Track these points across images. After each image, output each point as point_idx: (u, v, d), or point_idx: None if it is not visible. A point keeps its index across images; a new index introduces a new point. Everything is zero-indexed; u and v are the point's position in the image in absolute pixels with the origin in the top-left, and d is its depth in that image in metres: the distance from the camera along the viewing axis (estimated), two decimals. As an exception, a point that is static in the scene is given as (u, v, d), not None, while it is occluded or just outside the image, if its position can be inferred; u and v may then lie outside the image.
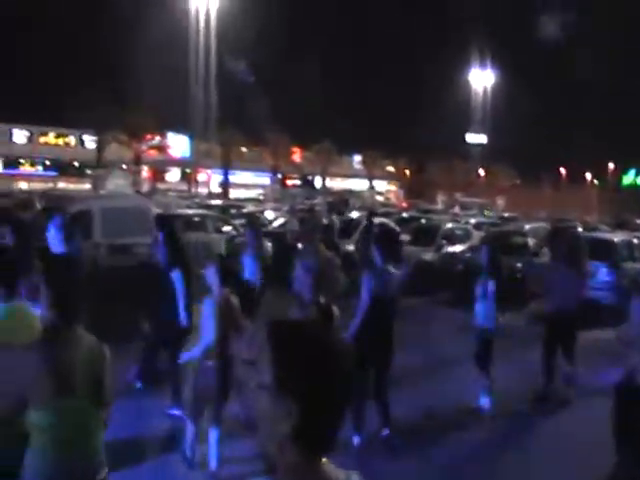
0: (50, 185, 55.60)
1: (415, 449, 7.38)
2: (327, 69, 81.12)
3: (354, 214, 27.53)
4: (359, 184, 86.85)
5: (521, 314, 12.47)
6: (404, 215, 30.91)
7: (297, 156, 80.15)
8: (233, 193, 66.83)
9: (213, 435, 6.34)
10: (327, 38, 79.50)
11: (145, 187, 59.46)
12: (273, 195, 62.82)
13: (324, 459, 1.74)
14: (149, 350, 8.72)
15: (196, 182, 67.99)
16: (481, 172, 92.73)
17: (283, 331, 1.77)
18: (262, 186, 75.57)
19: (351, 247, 17.37)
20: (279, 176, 77.27)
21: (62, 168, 66.87)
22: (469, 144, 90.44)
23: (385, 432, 7.27)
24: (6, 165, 65.42)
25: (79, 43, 64.59)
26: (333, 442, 1.75)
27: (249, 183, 77.07)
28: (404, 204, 63.39)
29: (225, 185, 69.89)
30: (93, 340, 3.61)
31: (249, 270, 10.25)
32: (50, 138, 68.80)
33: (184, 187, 66.74)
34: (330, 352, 1.74)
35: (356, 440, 7.10)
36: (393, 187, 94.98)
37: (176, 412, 7.75)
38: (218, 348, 6.26)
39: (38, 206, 18.95)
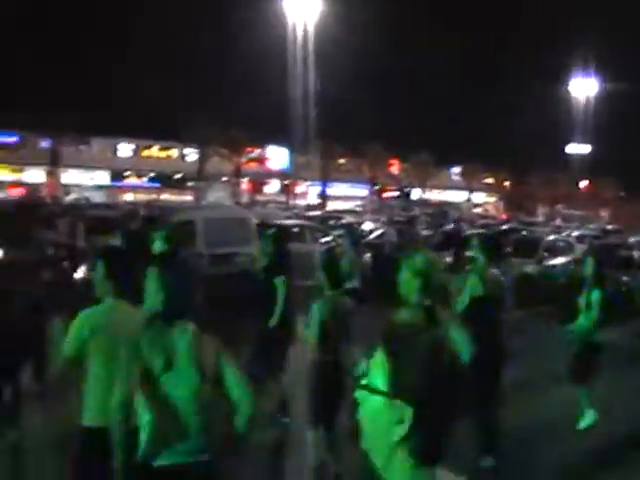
0: (154, 197, 57.18)
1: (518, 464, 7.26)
2: (425, 80, 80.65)
3: (452, 225, 27.32)
4: (457, 196, 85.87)
5: (626, 329, 12.10)
6: (504, 227, 30.48)
7: (395, 168, 79.89)
8: (331, 205, 67.12)
9: (319, 440, 6.39)
10: (425, 49, 78.91)
11: (244, 199, 60.46)
12: (371, 207, 62.78)
13: (436, 467, 1.73)
14: (254, 357, 8.84)
15: (294, 194, 68.61)
16: (583, 184, 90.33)
17: (398, 336, 1.77)
18: (360, 198, 75.60)
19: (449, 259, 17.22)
20: (377, 188, 77.16)
21: (165, 180, 68.59)
22: (570, 155, 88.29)
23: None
24: (113, 177, 67.61)
25: (184, 60, 66.21)
26: (444, 450, 1.74)
27: (347, 195, 77.20)
28: (503, 216, 62.39)
29: (323, 197, 70.29)
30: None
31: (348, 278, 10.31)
32: (154, 151, 70.72)
33: (283, 199, 67.44)
34: (444, 356, 1.73)
35: (487, 462, 6.90)
36: (492, 199, 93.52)
37: (284, 419, 7.89)
38: (329, 353, 6.27)
39: (142, 215, 19.55)
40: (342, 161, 72.35)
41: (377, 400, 1.72)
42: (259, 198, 64.00)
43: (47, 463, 6.35)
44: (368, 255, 18.73)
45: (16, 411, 7.34)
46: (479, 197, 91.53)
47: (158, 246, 7.03)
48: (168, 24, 66.07)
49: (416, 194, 79.37)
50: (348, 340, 6.36)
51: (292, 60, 61.77)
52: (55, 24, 61.87)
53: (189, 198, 59.03)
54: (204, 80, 61.00)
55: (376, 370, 1.74)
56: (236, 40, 58.06)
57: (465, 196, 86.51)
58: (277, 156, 72.14)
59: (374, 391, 1.73)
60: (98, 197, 53.02)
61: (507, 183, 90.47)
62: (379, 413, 1.72)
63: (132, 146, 68.63)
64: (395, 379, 1.70)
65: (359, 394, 1.78)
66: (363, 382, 1.77)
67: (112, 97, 56.56)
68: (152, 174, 69.19)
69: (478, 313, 6.67)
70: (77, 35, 61.71)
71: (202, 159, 63.29)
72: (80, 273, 14.55)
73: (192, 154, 67.37)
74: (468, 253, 8.82)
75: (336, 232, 21.47)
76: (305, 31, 62.15)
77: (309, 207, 58.66)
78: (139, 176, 69.36)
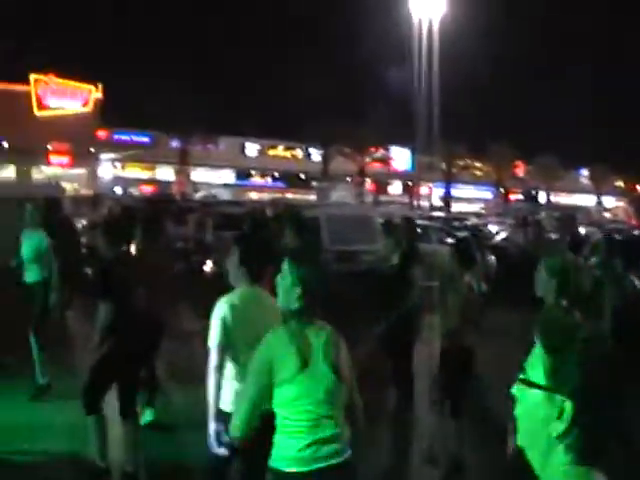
0: (278, 196, 58.10)
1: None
2: (555, 82, 78.67)
3: (583, 230, 26.47)
4: (585, 200, 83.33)
5: None
6: (635, 233, 29.30)
7: (520, 170, 78.33)
8: (454, 207, 66.46)
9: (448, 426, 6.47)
10: (558, 47, 77.00)
11: (368, 199, 60.61)
12: (495, 209, 61.76)
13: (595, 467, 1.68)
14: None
15: (418, 195, 68.30)
16: None
17: (558, 330, 1.75)
18: (484, 200, 74.54)
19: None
20: (501, 190, 75.84)
21: (290, 180, 69.60)
22: None
23: None
24: (238, 176, 69.14)
25: (315, 61, 66.95)
26: (605, 450, 1.70)
27: (470, 197, 76.27)
28: (634, 221, 60.04)
29: (447, 198, 69.67)
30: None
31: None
32: (279, 151, 71.92)
33: (406, 200, 67.23)
34: (603, 351, 1.73)
35: None
36: (621, 203, 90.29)
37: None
38: (455, 339, 6.56)
39: (268, 213, 19.85)
40: (466, 162, 71.48)
41: (536, 394, 1.70)
42: (382, 199, 64.01)
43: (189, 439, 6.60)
44: (492, 258, 18.41)
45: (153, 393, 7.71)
46: (609, 201, 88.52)
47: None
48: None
49: (542, 197, 77.58)
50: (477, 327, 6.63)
51: (417, 59, 61.46)
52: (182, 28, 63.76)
53: (313, 198, 59.62)
54: (329, 80, 61.52)
55: (535, 364, 1.72)
56: (362, 40, 58.22)
57: (594, 200, 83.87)
58: (400, 157, 72.00)
59: (533, 385, 1.71)
60: (225, 195, 54.30)
61: (639, 187, 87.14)
62: (537, 408, 1.69)
63: (258, 146, 70.04)
64: (555, 373, 1.67)
65: (516, 389, 1.76)
66: (521, 376, 1.75)
67: (240, 97, 57.83)
68: (276, 174, 70.35)
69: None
70: (211, 37, 63.47)
71: (326, 159, 63.88)
72: (208, 266, 14.93)
73: (316, 155, 68.17)
74: (594, 259, 8.49)
75: (461, 233, 21.18)
76: (430, 30, 61.66)
77: (433, 208, 58.27)
78: (263, 175, 70.65)
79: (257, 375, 3.46)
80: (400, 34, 59.78)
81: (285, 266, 3.63)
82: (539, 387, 1.69)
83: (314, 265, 3.68)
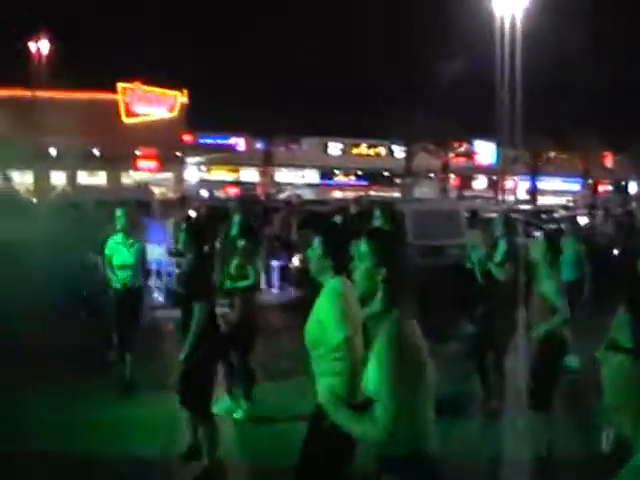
0: (362, 194, 58.11)
1: None
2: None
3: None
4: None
5: None
6: None
7: (608, 160, 76.29)
8: (541, 200, 65.17)
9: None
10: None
11: (452, 194, 60.07)
12: (584, 202, 60.35)
13: None
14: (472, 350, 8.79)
15: (503, 189, 67.28)
16: None
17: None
18: (571, 192, 72.88)
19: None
20: (590, 182, 74.02)
21: (373, 177, 69.52)
22: None
23: None
24: (322, 176, 69.47)
25: (393, 60, 66.60)
26: None
27: (558, 189, 74.67)
28: None
29: (533, 192, 68.40)
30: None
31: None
32: (362, 149, 71.94)
33: (491, 194, 66.31)
34: None
35: None
36: None
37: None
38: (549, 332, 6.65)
39: (352, 210, 19.90)
40: (552, 154, 70.04)
41: (621, 358, 1.70)
42: (467, 193, 63.34)
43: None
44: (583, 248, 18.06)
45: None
46: None
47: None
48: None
49: (633, 188, 75.41)
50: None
51: (499, 52, 60.48)
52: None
53: (397, 195, 59.42)
54: (409, 76, 61.07)
55: (621, 328, 1.72)
56: (445, 34, 57.66)
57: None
58: (485, 150, 71.05)
59: (619, 349, 1.71)
60: (309, 194, 54.60)
61: None
62: (624, 371, 1.69)
63: (340, 145, 70.24)
64: None
65: (601, 353, 1.77)
66: (608, 340, 1.75)
67: (320, 97, 57.99)
68: (359, 172, 70.38)
69: None
70: (290, 39, 63.88)
71: (409, 156, 63.60)
72: (294, 263, 15.10)
73: (399, 151, 67.94)
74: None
75: (549, 226, 20.83)
76: (513, 22, 60.60)
77: (519, 202, 57.30)
78: (347, 174, 70.79)
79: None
80: (481, 28, 58.95)
81: (365, 246, 3.33)
82: (625, 350, 1.68)
83: (401, 244, 3.44)
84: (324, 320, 4.31)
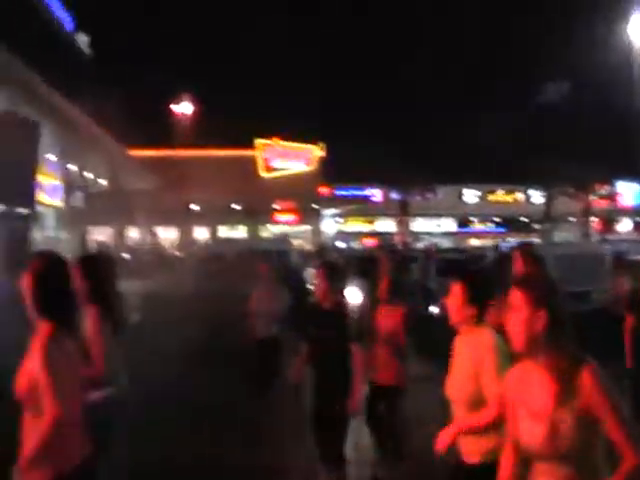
0: (499, 240, 57.20)
1: None
2: None
3: None
4: None
5: None
6: None
7: None
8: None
9: None
10: None
11: (594, 238, 58.12)
12: None
13: None
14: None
15: (649, 231, 64.69)
16: None
17: None
18: None
19: None
20: None
21: (511, 223, 68.39)
22: None
23: None
24: (459, 224, 68.96)
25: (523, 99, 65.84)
26: None
27: None
28: None
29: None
30: None
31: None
32: (499, 195, 71.02)
33: (636, 237, 63.79)
34: None
35: None
36: None
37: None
38: None
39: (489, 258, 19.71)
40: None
41: None
42: (610, 237, 61.17)
43: None
44: None
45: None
46: None
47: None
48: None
49: None
50: None
51: (637, 86, 58.57)
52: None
53: (535, 240, 58.11)
54: (550, 121, 60.03)
55: None
56: (581, 75, 56.43)
57: None
58: (628, 192, 68.58)
59: None
60: (446, 243, 54.25)
61: None
62: None
63: (476, 192, 69.66)
64: None
65: None
66: None
67: (454, 146, 57.93)
68: (497, 218, 69.40)
69: None
70: (414, 89, 64.44)
71: (549, 200, 62.21)
72: (433, 310, 15.04)
73: (537, 196, 66.66)
74: None
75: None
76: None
77: (666, 244, 54.71)
78: (483, 221, 69.95)
79: None
80: (616, 62, 57.37)
81: (519, 295, 3.14)
82: None
83: (556, 290, 3.18)
84: (478, 373, 4.10)
